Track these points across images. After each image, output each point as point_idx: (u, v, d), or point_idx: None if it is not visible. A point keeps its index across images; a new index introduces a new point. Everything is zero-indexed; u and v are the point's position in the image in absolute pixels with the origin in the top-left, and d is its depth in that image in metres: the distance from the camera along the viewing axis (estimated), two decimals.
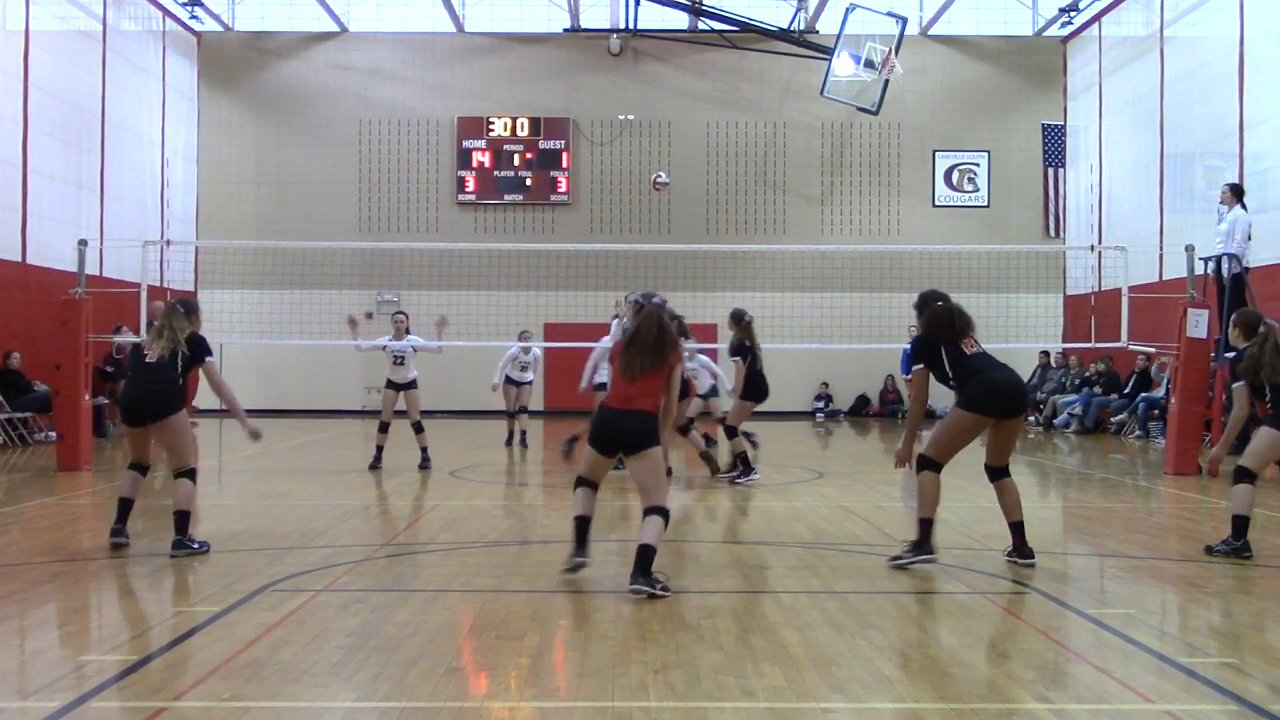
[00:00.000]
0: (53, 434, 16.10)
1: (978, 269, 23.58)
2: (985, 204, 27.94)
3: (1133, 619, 6.34)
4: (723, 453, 13.79)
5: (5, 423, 17.80)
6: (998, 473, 7.84)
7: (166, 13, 25.97)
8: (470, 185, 27.66)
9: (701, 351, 15.57)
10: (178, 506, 8.16)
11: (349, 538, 9.15)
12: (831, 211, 27.96)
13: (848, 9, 24.53)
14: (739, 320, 13.05)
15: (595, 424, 7.26)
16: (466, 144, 27.69)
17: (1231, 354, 9.45)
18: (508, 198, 27.65)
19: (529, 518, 10.62)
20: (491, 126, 27.71)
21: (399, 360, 14.61)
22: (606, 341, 13.37)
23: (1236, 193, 16.19)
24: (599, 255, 24.35)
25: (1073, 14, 26.14)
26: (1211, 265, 16.25)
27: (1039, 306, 25.51)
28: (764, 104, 28.00)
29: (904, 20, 24.64)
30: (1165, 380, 18.63)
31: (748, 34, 26.68)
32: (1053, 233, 27.27)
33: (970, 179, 28.03)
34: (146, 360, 8.33)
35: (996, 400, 7.65)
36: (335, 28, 27.84)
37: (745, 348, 12.87)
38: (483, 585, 7.21)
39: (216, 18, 27.25)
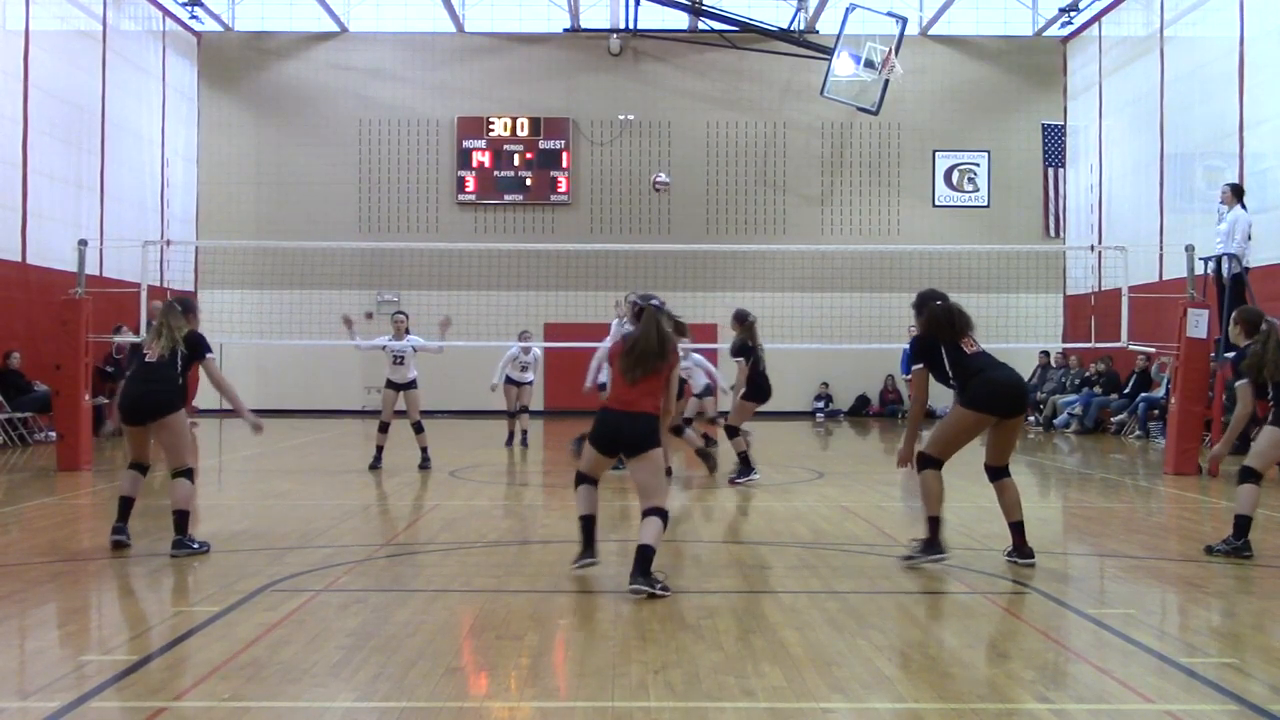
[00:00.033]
0: (53, 434, 16.10)
1: (978, 269, 23.58)
2: (985, 204, 27.95)
3: (1133, 619, 6.34)
4: (730, 453, 13.66)
5: (5, 423, 17.80)
6: (997, 472, 7.84)
7: (166, 13, 25.97)
8: (470, 185, 27.66)
9: (699, 352, 15.59)
10: (177, 506, 8.16)
11: (349, 538, 9.15)
12: (831, 211, 27.96)
13: (848, 9, 24.53)
14: (743, 321, 13.02)
15: (597, 424, 7.29)
16: (466, 144, 27.69)
17: (1231, 354, 9.45)
18: (508, 198, 27.66)
19: (529, 518, 10.62)
20: (491, 126, 27.71)
21: (399, 360, 14.61)
22: (609, 342, 13.36)
23: (1237, 193, 16.19)
24: (599, 255, 24.35)
25: (1073, 14, 26.14)
26: (1211, 265, 16.25)
27: (1039, 306, 25.51)
28: (764, 104, 28.00)
29: (904, 20, 24.64)
30: (1165, 380, 18.63)
31: (748, 34, 26.68)
32: (1053, 233, 27.27)
33: (970, 179, 28.03)
34: (146, 360, 8.34)
35: (998, 399, 7.65)
36: (335, 28, 27.84)
37: (748, 348, 12.85)
38: (483, 585, 7.21)
39: (216, 18, 27.26)
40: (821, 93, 25.66)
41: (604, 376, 13.45)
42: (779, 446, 18.21)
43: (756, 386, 12.90)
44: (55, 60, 21.25)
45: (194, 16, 26.75)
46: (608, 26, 27.89)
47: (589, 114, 27.92)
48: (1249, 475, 8.25)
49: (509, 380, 18.02)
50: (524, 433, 18.29)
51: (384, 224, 27.66)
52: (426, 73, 27.99)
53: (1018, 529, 7.80)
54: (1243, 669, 5.39)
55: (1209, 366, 14.75)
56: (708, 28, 27.01)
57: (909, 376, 8.02)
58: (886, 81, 24.87)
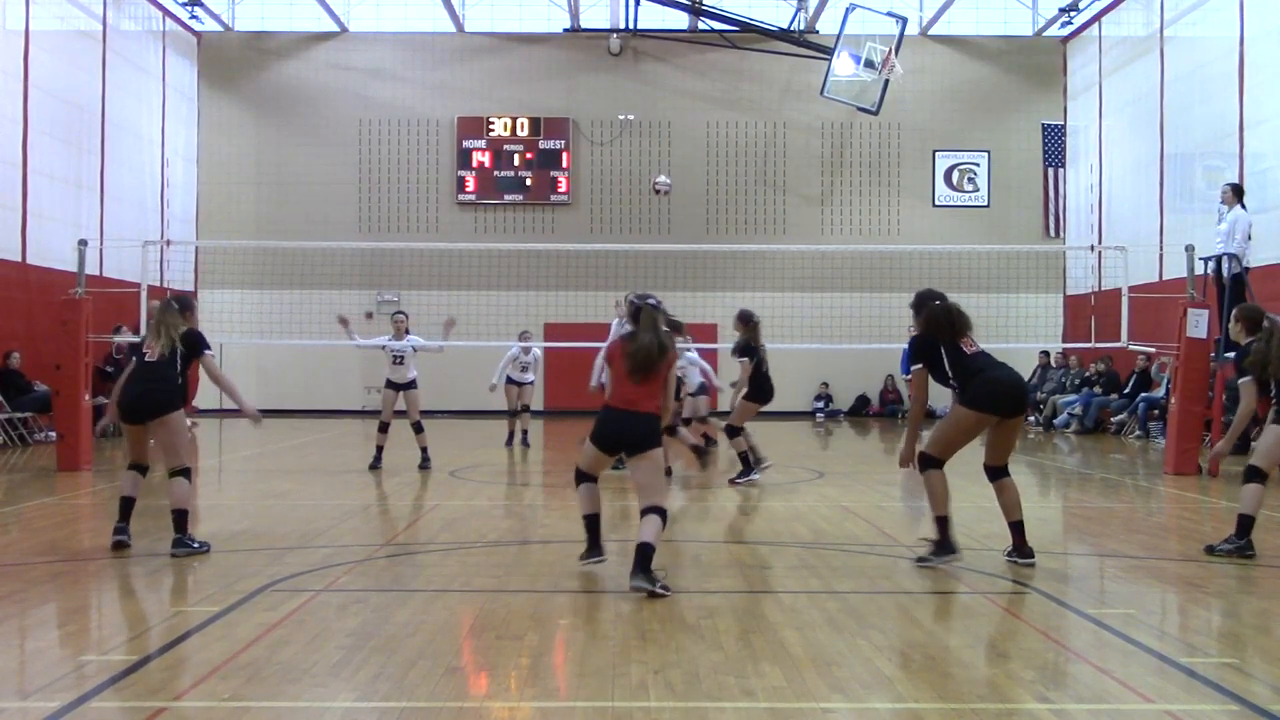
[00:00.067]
0: (53, 434, 16.10)
1: (978, 269, 23.58)
2: (985, 204, 27.95)
3: (1133, 619, 6.33)
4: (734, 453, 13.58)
5: (5, 423, 17.80)
6: (997, 472, 7.84)
7: (166, 13, 25.97)
8: (470, 185, 27.66)
9: (700, 352, 15.58)
10: (176, 505, 8.17)
11: (349, 538, 9.15)
12: (831, 211, 27.96)
13: (848, 9, 24.53)
14: (747, 321, 12.99)
15: (599, 423, 7.32)
16: (466, 144, 27.69)
17: (1232, 353, 9.44)
18: (508, 198, 27.66)
19: (529, 518, 10.62)
20: (491, 126, 27.72)
21: (398, 360, 14.61)
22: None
23: (1237, 193, 16.19)
24: (599, 255, 24.35)
25: (1073, 14, 26.14)
26: (1211, 265, 16.25)
27: (1039, 306, 25.51)
28: (764, 104, 28.00)
29: (904, 20, 24.64)
30: (1165, 380, 18.63)
31: (748, 34, 26.69)
32: (1053, 233, 27.27)
33: (970, 179, 28.03)
34: (146, 359, 8.34)
35: (999, 399, 7.64)
36: (335, 28, 27.84)
37: (751, 348, 12.84)
38: (483, 585, 7.21)
39: (216, 18, 27.26)
40: (821, 93, 25.66)
41: (604, 377, 13.46)
42: (779, 446, 18.21)
43: (758, 387, 12.88)
44: (55, 60, 21.26)
45: (194, 16, 26.75)
46: (608, 26, 27.90)
47: (589, 114, 27.93)
48: (1254, 475, 8.22)
49: (510, 380, 18.03)
50: (524, 432, 18.30)
51: (384, 224, 27.66)
52: (426, 73, 27.99)
53: (1017, 529, 7.80)
54: (1243, 669, 5.39)
55: (1209, 366, 14.74)
56: (708, 28, 27.01)
57: (909, 376, 7.99)
58: (886, 81, 24.88)
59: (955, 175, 28.02)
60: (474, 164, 27.66)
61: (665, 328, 7.34)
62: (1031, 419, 22.86)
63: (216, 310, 24.33)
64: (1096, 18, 25.88)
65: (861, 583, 7.32)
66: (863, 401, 27.82)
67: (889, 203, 27.91)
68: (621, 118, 27.82)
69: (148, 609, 6.91)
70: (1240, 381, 8.64)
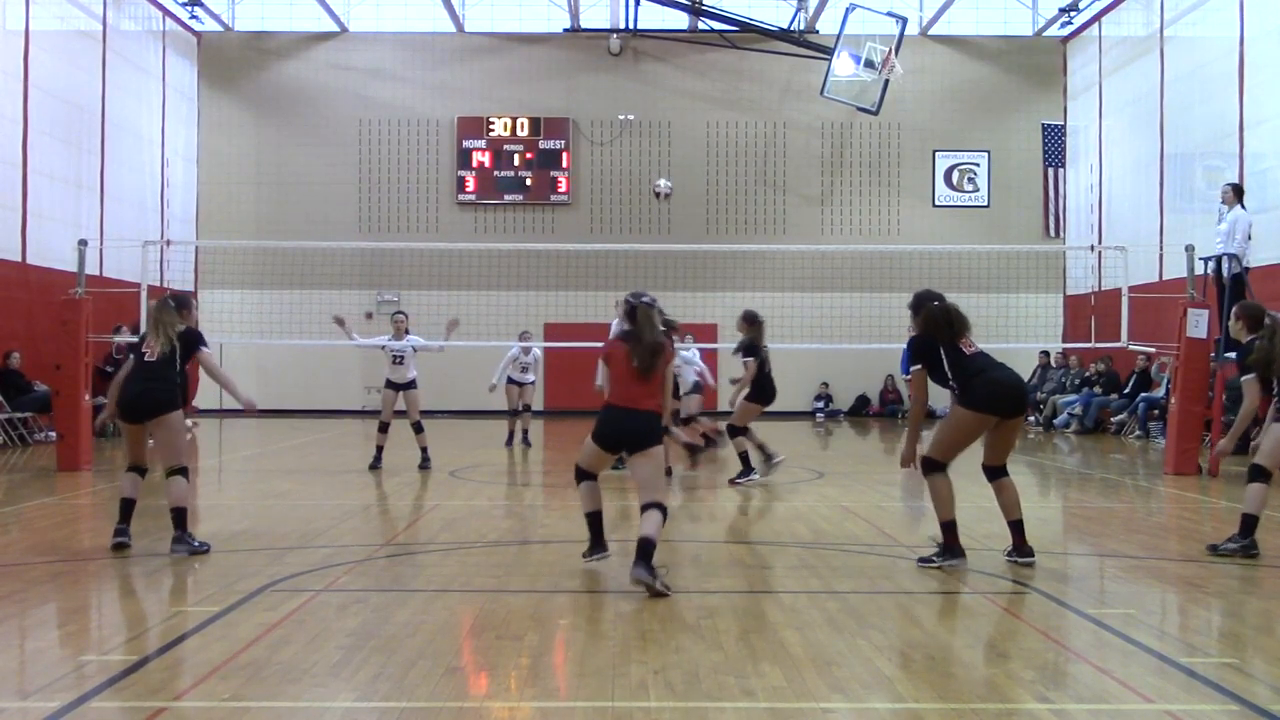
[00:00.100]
0: (53, 434, 16.10)
1: (978, 269, 23.58)
2: (985, 204, 27.95)
3: (1133, 619, 6.33)
4: (752, 453, 13.50)
5: (5, 423, 17.80)
6: (996, 472, 7.84)
7: (166, 13, 25.97)
8: (470, 185, 27.66)
9: (699, 351, 15.56)
10: (175, 504, 8.18)
11: (349, 538, 9.15)
12: (831, 211, 27.96)
13: (848, 9, 24.53)
14: (752, 321, 12.97)
15: (600, 422, 7.36)
16: (466, 144, 27.69)
17: (1232, 354, 9.43)
18: (508, 198, 27.66)
19: (529, 518, 10.62)
20: (491, 126, 27.71)
21: (398, 360, 14.60)
22: None
23: (1238, 192, 16.18)
24: (599, 255, 24.35)
25: (1073, 14, 26.14)
26: (1211, 265, 16.25)
27: (1039, 306, 25.53)
28: (764, 104, 28.00)
29: (904, 20, 24.64)
30: (1165, 380, 18.63)
31: (748, 34, 26.68)
32: (1053, 233, 27.27)
33: (970, 179, 28.03)
34: (145, 359, 8.34)
35: (1000, 400, 7.64)
36: (335, 28, 27.84)
37: (755, 349, 12.83)
38: (483, 585, 7.21)
39: (216, 18, 27.25)
40: (821, 93, 25.66)
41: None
42: (779, 446, 18.12)
43: (760, 388, 12.87)
44: (55, 60, 21.26)
45: (194, 16, 26.75)
46: (608, 26, 27.89)
47: (589, 114, 27.93)
48: (1258, 474, 8.20)
49: (510, 380, 18.03)
50: (525, 431, 18.31)
51: (384, 224, 27.65)
52: (426, 73, 27.99)
53: (1017, 528, 7.79)
54: (1243, 669, 5.39)
55: (1209, 366, 14.74)
56: (708, 28, 27.01)
57: (908, 377, 7.98)
58: (886, 81, 24.88)
59: (955, 175, 28.03)
60: (474, 164, 27.66)
61: (661, 326, 7.40)
62: (1031, 419, 22.86)
63: (216, 310, 24.37)
64: (1096, 18, 25.88)
65: (861, 583, 7.32)
66: (863, 401, 27.82)
67: (889, 203, 27.91)
68: (621, 118, 27.82)
69: (148, 609, 6.91)
70: (1244, 379, 8.60)
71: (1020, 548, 7.76)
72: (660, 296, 7.77)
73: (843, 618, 6.30)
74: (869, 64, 24.85)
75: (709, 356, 19.33)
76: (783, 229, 27.69)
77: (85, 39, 22.59)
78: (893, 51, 24.50)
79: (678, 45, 27.76)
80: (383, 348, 14.89)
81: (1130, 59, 24.46)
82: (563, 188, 27.62)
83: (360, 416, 25.16)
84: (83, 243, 15.32)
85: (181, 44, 26.97)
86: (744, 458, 12.94)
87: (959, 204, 27.97)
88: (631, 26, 26.69)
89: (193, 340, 8.47)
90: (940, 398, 8.17)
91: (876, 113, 25.61)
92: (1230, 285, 15.54)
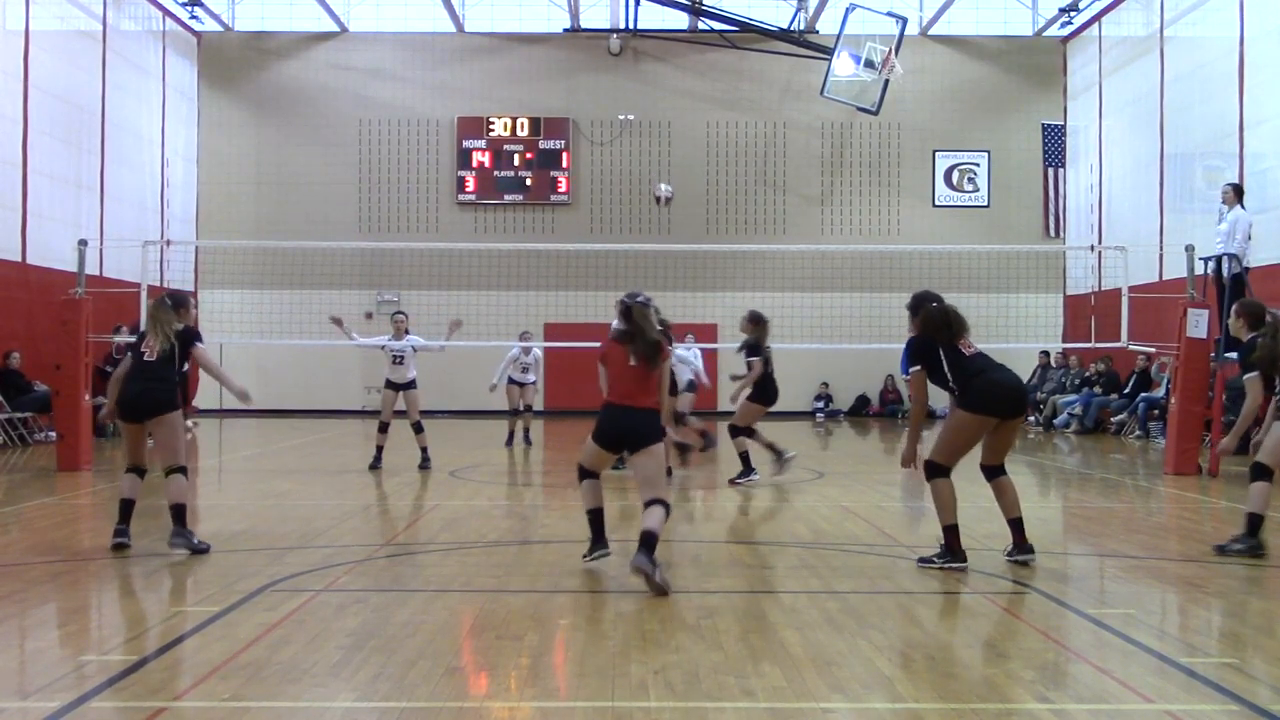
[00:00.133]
0: (53, 434, 16.10)
1: (978, 269, 23.59)
2: (985, 204, 27.95)
3: (1133, 619, 6.33)
4: (759, 452, 13.49)
5: (5, 423, 17.80)
6: (994, 471, 7.84)
7: (166, 13, 25.97)
8: (470, 185, 27.66)
9: (700, 350, 15.55)
10: (174, 500, 8.18)
11: (349, 538, 9.15)
12: (831, 211, 27.96)
13: (848, 9, 24.53)
14: (757, 321, 12.96)
15: (601, 421, 7.39)
16: (466, 144, 27.69)
17: (1233, 354, 9.42)
18: (508, 198, 27.66)
19: (529, 518, 10.62)
20: (491, 126, 27.71)
21: (398, 360, 14.60)
22: None
23: (1238, 192, 16.18)
24: (599, 255, 24.35)
25: (1073, 14, 26.14)
26: (1211, 265, 16.25)
27: (1039, 306, 25.53)
28: (764, 104, 28.00)
29: (904, 20, 24.64)
30: (1165, 380, 18.63)
31: (748, 34, 26.69)
32: (1053, 233, 27.27)
33: (970, 179, 28.03)
34: (145, 359, 8.34)
35: (1000, 402, 7.64)
36: (335, 28, 27.84)
37: (760, 349, 12.81)
38: (483, 585, 7.21)
39: (216, 18, 27.26)
40: (821, 93, 25.66)
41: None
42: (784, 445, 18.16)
43: (763, 389, 12.85)
44: (55, 60, 21.26)
45: (194, 16, 26.75)
46: (608, 26, 27.90)
47: (589, 114, 27.92)
48: (1261, 473, 8.18)
49: (511, 380, 18.04)
50: (526, 430, 18.32)
51: (384, 224, 27.65)
52: (426, 73, 27.99)
53: (1017, 525, 7.80)
54: (1243, 669, 5.39)
55: (1209, 366, 14.73)
56: (708, 28, 27.01)
57: (908, 376, 7.98)
58: (886, 81, 24.88)
59: (955, 175, 28.02)
60: (474, 164, 27.66)
61: (659, 325, 7.46)
62: (1031, 419, 22.86)
63: (216, 310, 24.40)
64: (1096, 18, 25.87)
65: (861, 583, 7.32)
66: (863, 401, 27.82)
67: (889, 203, 27.91)
68: (621, 118, 27.82)
69: (147, 609, 6.91)
70: (1246, 377, 8.56)
71: (1021, 545, 7.76)
72: (660, 296, 7.81)
73: (843, 618, 6.30)
74: (869, 64, 24.86)
75: (709, 356, 19.36)
76: (783, 229, 27.69)
77: (85, 39, 22.59)
78: (893, 51, 24.50)
79: (678, 45, 27.76)
80: (382, 348, 14.88)
81: (1130, 59, 24.46)
82: (563, 188, 27.62)
83: (360, 416, 25.16)
84: (83, 243, 15.32)
85: (181, 44, 26.97)
86: (744, 458, 12.93)
87: (959, 204, 27.97)
88: (631, 26, 26.70)
89: (188, 337, 8.47)
90: (940, 398, 8.18)
91: (876, 113, 25.61)
92: (1230, 285, 15.54)
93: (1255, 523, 8.13)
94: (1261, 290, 16.05)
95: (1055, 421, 22.59)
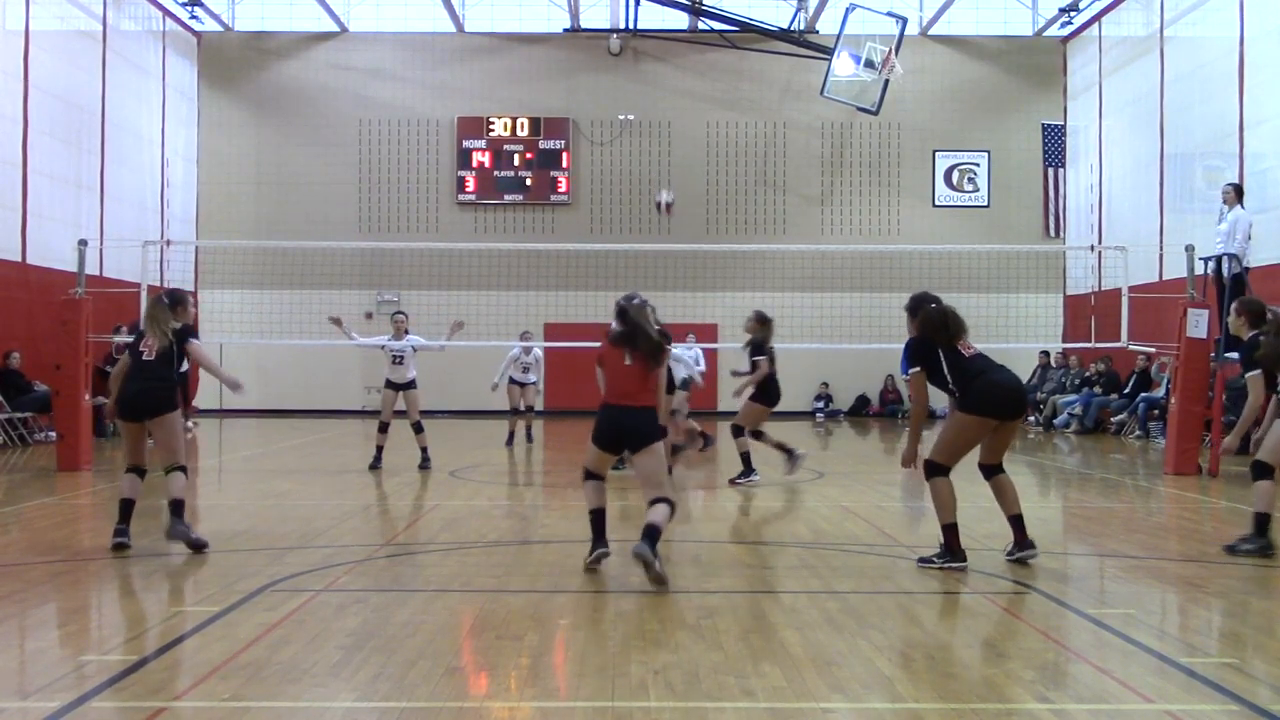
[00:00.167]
0: (53, 434, 16.10)
1: (978, 269, 23.58)
2: (985, 204, 27.95)
3: (1133, 619, 6.33)
4: (768, 453, 13.47)
5: (5, 423, 17.80)
6: (992, 470, 7.85)
7: (166, 13, 25.97)
8: (470, 185, 27.66)
9: (701, 351, 15.55)
10: (173, 495, 8.20)
11: (349, 538, 9.15)
12: (831, 211, 27.96)
13: (848, 9, 24.53)
14: (763, 321, 12.95)
15: (599, 422, 7.39)
16: (466, 144, 27.69)
17: (1233, 354, 9.41)
18: (508, 198, 27.66)
19: (529, 518, 10.62)
20: (491, 126, 27.71)
21: (398, 360, 14.60)
22: None
23: (1239, 192, 16.18)
24: (599, 255, 24.35)
25: (1073, 14, 26.14)
26: (1211, 265, 16.25)
27: (1039, 306, 25.53)
28: (764, 104, 28.00)
29: (904, 20, 24.64)
30: (1165, 380, 18.63)
31: (748, 34, 26.68)
32: (1053, 233, 27.27)
33: (970, 179, 28.03)
34: (144, 358, 8.34)
35: (999, 403, 7.64)
36: (335, 28, 27.84)
37: (764, 348, 12.80)
38: (483, 585, 7.21)
39: (216, 18, 27.25)
40: (821, 93, 25.66)
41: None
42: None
43: (766, 390, 12.84)
44: (55, 60, 21.25)
45: (194, 16, 26.75)
46: (608, 26, 27.89)
47: (589, 114, 27.92)
48: (1263, 471, 8.17)
49: (512, 380, 18.05)
50: (528, 428, 18.33)
51: (384, 224, 27.65)
52: (426, 73, 27.99)
53: (1017, 522, 7.80)
54: (1243, 669, 5.39)
55: (1209, 366, 14.73)
56: (708, 28, 27.01)
57: (907, 376, 7.98)
58: (886, 81, 24.87)
59: (955, 175, 28.02)
60: (474, 164, 27.66)
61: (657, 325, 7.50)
62: (1031, 419, 22.86)
63: (216, 310, 24.40)
64: (1096, 18, 25.87)
65: (861, 583, 7.32)
66: (863, 401, 27.82)
67: (889, 203, 27.90)
68: (621, 118, 27.81)
69: (147, 609, 6.91)
70: (1249, 375, 8.54)
71: (1021, 542, 7.77)
72: (660, 296, 7.86)
73: (843, 618, 6.29)
74: (869, 64, 24.85)
75: (709, 356, 19.36)
76: (783, 229, 27.68)
77: (85, 39, 22.59)
78: (893, 51, 24.50)
79: (678, 45, 27.76)
80: (382, 348, 14.88)
81: (1130, 59, 24.46)
82: (563, 188, 27.62)
83: (360, 416, 25.15)
84: (83, 243, 15.32)
85: (181, 44, 26.97)
86: (745, 458, 12.92)
87: (959, 204, 27.96)
88: (631, 26, 26.69)
89: (184, 334, 8.47)
90: (941, 398, 8.18)
91: (876, 113, 25.61)
92: (1230, 285, 15.54)
93: (1262, 522, 8.12)
94: (1261, 290, 16.03)
95: (1055, 421, 22.59)
